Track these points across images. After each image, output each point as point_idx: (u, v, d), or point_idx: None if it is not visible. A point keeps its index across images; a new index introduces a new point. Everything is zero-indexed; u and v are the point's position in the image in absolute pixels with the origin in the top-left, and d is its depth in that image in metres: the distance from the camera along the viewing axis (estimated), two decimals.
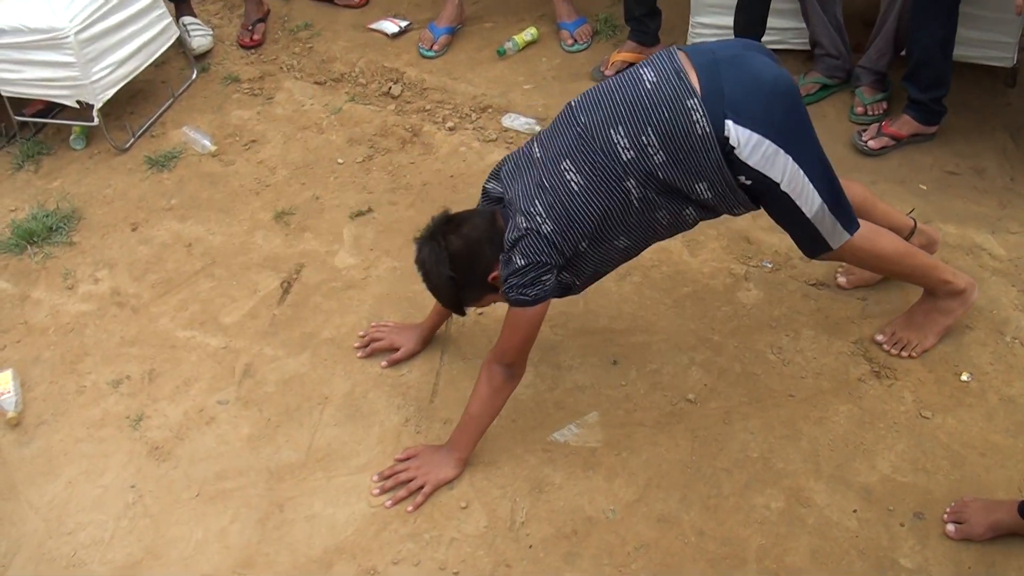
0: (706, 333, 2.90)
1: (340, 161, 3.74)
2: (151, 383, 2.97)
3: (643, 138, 2.25)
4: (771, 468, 2.55)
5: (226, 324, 3.13)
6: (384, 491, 2.60)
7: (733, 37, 3.66)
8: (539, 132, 2.48)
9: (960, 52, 3.43)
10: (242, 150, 3.86)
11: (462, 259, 2.41)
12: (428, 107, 3.98)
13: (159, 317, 3.18)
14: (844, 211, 2.45)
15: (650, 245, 2.51)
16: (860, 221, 2.51)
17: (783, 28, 3.83)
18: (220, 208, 3.58)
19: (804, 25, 3.70)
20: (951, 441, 2.57)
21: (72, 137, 3.97)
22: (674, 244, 3.16)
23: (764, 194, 2.35)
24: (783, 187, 2.31)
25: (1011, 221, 3.17)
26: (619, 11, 4.11)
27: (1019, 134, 3.50)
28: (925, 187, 3.33)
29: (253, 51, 4.41)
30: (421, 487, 2.57)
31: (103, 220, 3.59)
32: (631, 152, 2.27)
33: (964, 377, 2.72)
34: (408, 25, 4.45)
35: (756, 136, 2.23)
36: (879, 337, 2.81)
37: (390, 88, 4.09)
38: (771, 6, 3.61)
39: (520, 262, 2.32)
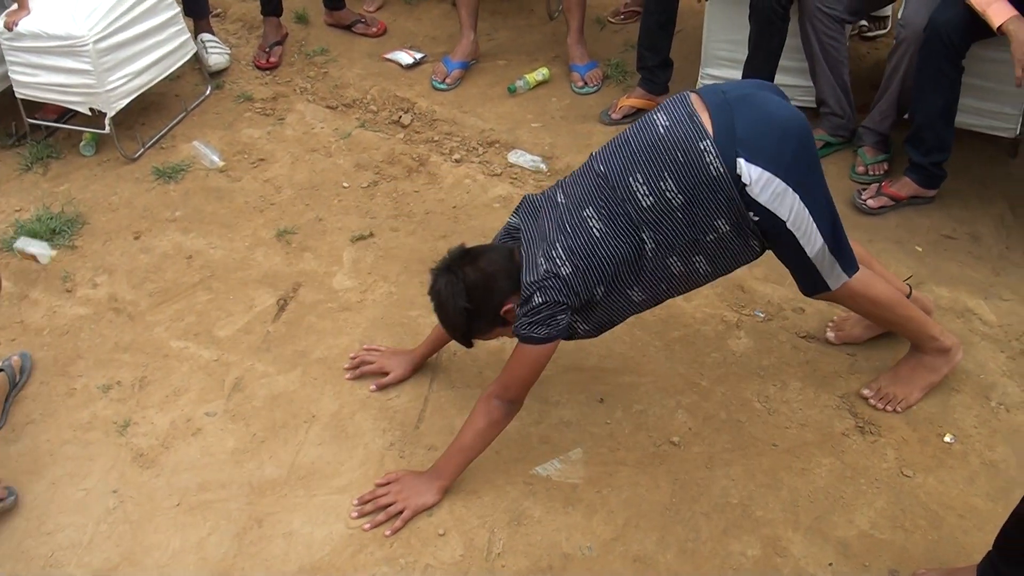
0: (694, 378, 2.92)
1: (345, 185, 3.78)
2: (141, 390, 2.98)
3: (661, 183, 2.31)
4: (750, 516, 2.56)
5: (220, 337, 3.15)
6: (363, 514, 2.60)
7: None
8: (563, 179, 2.54)
9: (964, 120, 3.48)
10: (249, 167, 3.90)
11: (477, 291, 2.43)
12: (436, 138, 4.02)
13: (154, 326, 3.20)
14: (845, 253, 2.51)
15: (663, 301, 2.56)
16: (860, 266, 2.57)
17: (790, 85, 3.87)
18: (223, 223, 3.62)
19: (811, 84, 3.76)
20: (931, 501, 2.58)
21: (82, 143, 4.01)
22: None
23: (769, 231, 2.39)
24: (789, 225, 2.36)
25: (1004, 288, 3.20)
26: (631, 57, 4.17)
27: (1018, 204, 3.53)
28: (921, 249, 3.36)
29: (268, 72, 4.47)
30: (400, 512, 2.57)
31: (106, 226, 3.62)
32: (651, 198, 2.32)
33: (947, 439, 2.73)
34: (423, 58, 4.51)
35: (767, 174, 2.29)
36: (866, 391, 2.83)
37: (400, 117, 4.14)
38: (779, 63, 3.66)
39: (537, 300, 2.36)
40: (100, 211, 3.70)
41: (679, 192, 2.31)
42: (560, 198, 2.49)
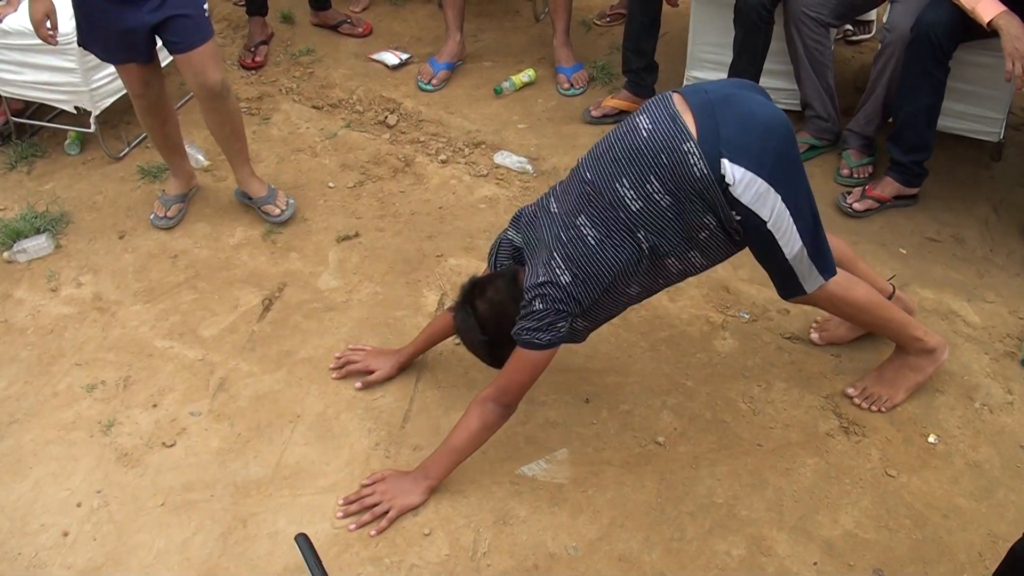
0: (679, 378, 2.93)
1: (331, 185, 3.78)
2: (125, 390, 2.97)
3: (648, 187, 2.31)
4: (735, 515, 2.57)
5: (205, 337, 3.14)
6: (348, 514, 2.59)
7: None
8: (555, 187, 2.56)
9: (948, 124, 3.51)
10: None
11: (491, 321, 2.51)
12: (422, 139, 4.02)
13: (139, 325, 3.19)
14: (823, 257, 2.52)
15: (660, 291, 2.59)
16: (838, 269, 2.58)
17: (776, 88, 3.88)
18: (208, 222, 3.61)
19: (796, 87, 3.77)
20: (915, 501, 2.59)
21: (67, 142, 4.00)
22: None
23: (750, 231, 2.38)
24: (769, 226, 2.36)
25: (987, 290, 3.21)
26: (616, 59, 4.18)
27: (1001, 207, 3.56)
28: (905, 251, 3.38)
29: (254, 72, 4.46)
30: (386, 512, 2.57)
31: (91, 226, 3.60)
32: (639, 203, 2.33)
33: (931, 439, 2.74)
34: (409, 58, 4.51)
35: (750, 174, 2.28)
36: (850, 390, 2.85)
37: (386, 117, 4.14)
38: (764, 67, 3.68)
39: (538, 306, 2.39)
40: (85, 210, 3.69)
41: (666, 194, 2.31)
42: (554, 207, 2.50)
